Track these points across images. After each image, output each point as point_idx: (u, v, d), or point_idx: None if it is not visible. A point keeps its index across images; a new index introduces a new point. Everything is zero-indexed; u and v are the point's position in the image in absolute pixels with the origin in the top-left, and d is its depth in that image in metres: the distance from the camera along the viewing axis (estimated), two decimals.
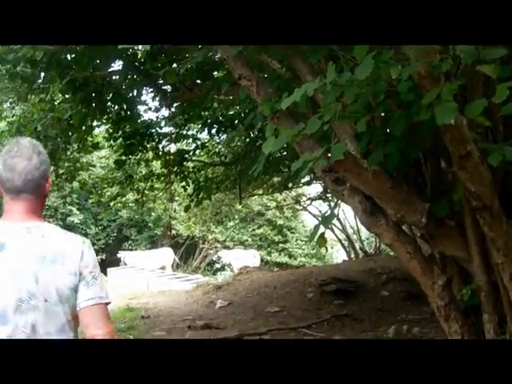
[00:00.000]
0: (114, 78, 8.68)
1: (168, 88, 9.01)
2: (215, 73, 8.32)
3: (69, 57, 7.50)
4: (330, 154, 3.38)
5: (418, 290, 4.99)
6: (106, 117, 9.72)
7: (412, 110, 3.29)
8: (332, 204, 15.15)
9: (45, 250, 2.56)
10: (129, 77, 8.60)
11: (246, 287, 12.95)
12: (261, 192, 16.86)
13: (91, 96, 8.63)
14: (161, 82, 8.76)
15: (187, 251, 25.19)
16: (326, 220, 4.03)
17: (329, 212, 4.22)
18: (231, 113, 9.92)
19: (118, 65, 8.11)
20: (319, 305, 10.41)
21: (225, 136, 11.19)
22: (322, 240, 3.78)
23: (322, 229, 3.83)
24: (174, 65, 7.43)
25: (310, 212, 21.30)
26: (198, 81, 8.50)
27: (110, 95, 8.94)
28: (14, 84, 8.54)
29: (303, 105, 3.19)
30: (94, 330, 2.53)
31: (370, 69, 2.80)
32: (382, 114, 3.69)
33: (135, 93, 9.22)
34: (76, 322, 2.60)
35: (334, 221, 18.19)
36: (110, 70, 8.16)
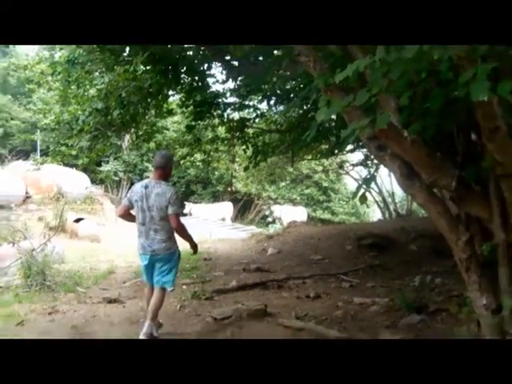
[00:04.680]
0: (188, 53, 8.73)
1: (234, 63, 9.03)
2: (275, 51, 8.27)
3: None
4: (375, 124, 3.38)
5: (442, 246, 4.96)
6: (179, 87, 9.81)
7: (450, 88, 3.25)
8: (372, 170, 15.05)
9: (159, 190, 5.64)
10: (201, 52, 8.64)
11: (294, 238, 13.02)
12: (310, 157, 16.83)
13: (168, 68, 8.72)
14: (228, 57, 8.79)
15: (244, 206, 25.37)
16: (367, 181, 4.03)
17: (369, 175, 4.29)
18: (288, 87, 9.88)
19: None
20: (356, 255, 10.44)
21: (281, 107, 11.15)
22: (364, 198, 3.80)
23: (363, 189, 3.85)
24: None
25: (351, 176, 21.24)
26: (261, 58, 8.48)
27: (184, 68, 9.01)
28: (104, 56, 8.66)
29: (354, 79, 3.16)
30: (172, 224, 5.63)
31: (414, 50, 2.78)
32: (423, 90, 3.63)
33: (205, 66, 9.27)
34: (168, 220, 5.64)
35: (372, 185, 18.11)
36: (185, 45, 8.22)
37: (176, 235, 5.89)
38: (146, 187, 5.70)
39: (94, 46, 8.29)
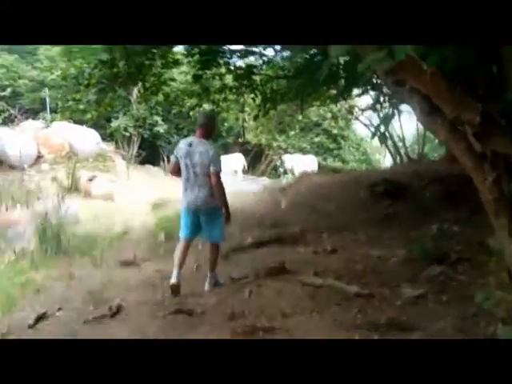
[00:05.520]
0: None
1: None
2: None
3: None
4: (392, 56, 3.11)
5: (457, 191, 4.69)
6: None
7: None
8: (382, 113, 14.65)
9: (202, 149, 5.98)
10: None
11: (306, 188, 12.74)
12: (319, 103, 16.56)
13: None
14: None
15: (255, 157, 25.06)
16: (385, 120, 3.79)
17: (385, 116, 4.04)
18: None
19: None
20: (370, 204, 10.18)
21: (287, 52, 10.86)
22: (383, 137, 3.55)
23: (382, 128, 3.60)
24: None
25: (361, 121, 20.89)
26: None
27: None
28: None
29: None
30: (212, 181, 5.93)
31: None
32: None
33: None
34: (208, 177, 5.97)
35: (382, 129, 17.85)
36: None
37: None
38: (190, 145, 6.08)
39: None
